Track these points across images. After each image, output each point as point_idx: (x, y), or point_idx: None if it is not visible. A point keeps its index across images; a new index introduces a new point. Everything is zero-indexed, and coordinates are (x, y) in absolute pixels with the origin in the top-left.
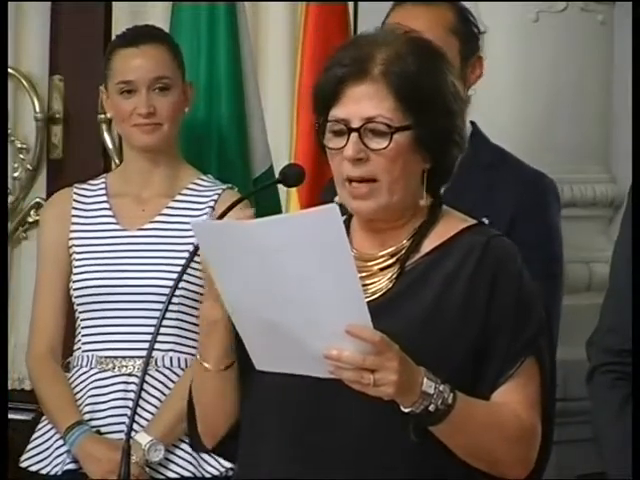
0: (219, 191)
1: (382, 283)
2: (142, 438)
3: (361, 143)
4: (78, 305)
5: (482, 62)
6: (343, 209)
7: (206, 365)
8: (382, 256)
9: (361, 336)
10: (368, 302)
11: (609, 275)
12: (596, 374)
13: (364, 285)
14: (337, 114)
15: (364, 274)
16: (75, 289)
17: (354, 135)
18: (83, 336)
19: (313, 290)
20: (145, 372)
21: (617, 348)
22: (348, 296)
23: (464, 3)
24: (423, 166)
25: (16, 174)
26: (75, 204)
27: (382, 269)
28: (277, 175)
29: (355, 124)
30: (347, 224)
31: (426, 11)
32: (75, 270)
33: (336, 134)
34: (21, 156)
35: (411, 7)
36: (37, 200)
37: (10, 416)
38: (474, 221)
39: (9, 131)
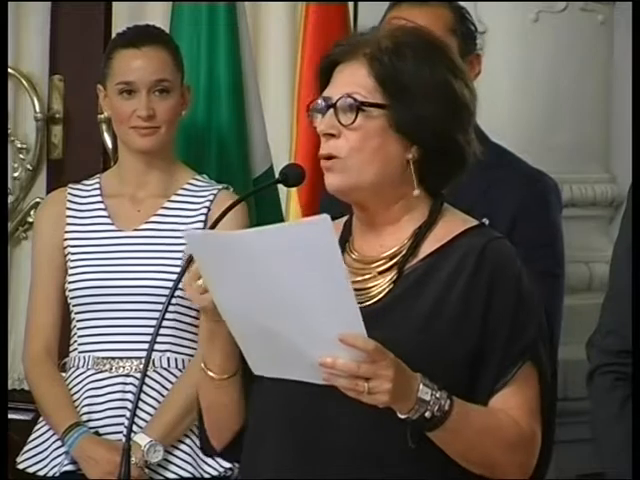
0: (214, 191)
1: (381, 286)
2: (141, 439)
3: (335, 118)
4: (74, 306)
5: (480, 60)
6: (346, 207)
7: (210, 374)
8: (381, 259)
9: (355, 345)
10: (368, 305)
11: (609, 276)
12: (596, 375)
13: (365, 288)
14: (325, 93)
15: (366, 276)
16: (71, 290)
17: (330, 110)
18: (79, 337)
19: (306, 300)
20: (145, 373)
21: (616, 349)
22: (341, 306)
23: (462, 3)
24: (406, 155)
25: (16, 174)
26: (69, 204)
27: (381, 272)
28: (277, 175)
29: (334, 100)
30: (349, 225)
31: (424, 11)
32: (71, 271)
33: (321, 112)
34: (21, 156)
35: (408, 7)
36: (37, 200)
37: (10, 416)
38: (475, 222)
39: (9, 131)
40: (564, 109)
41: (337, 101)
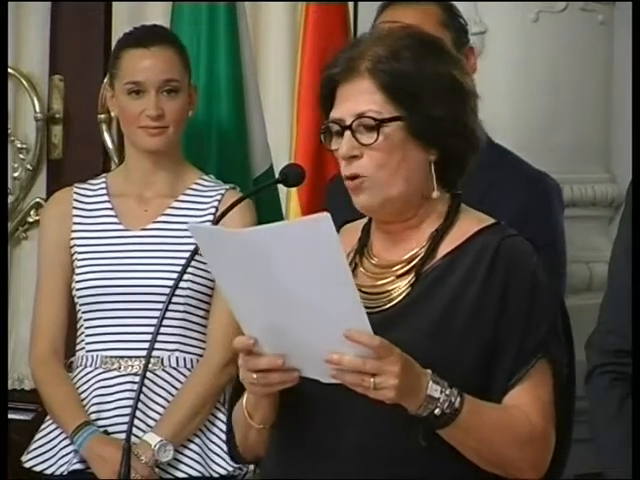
0: (222, 191)
1: (400, 289)
2: (151, 438)
3: (354, 140)
4: (81, 305)
5: (474, 52)
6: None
7: (251, 422)
8: (400, 262)
9: (360, 341)
10: (388, 308)
11: (607, 276)
12: (594, 375)
13: (385, 292)
14: (333, 115)
15: (384, 281)
16: (78, 289)
17: (347, 133)
18: (87, 336)
19: (311, 297)
20: (145, 372)
21: (615, 349)
22: (345, 302)
23: (462, 3)
24: (427, 157)
25: (16, 174)
26: (76, 204)
27: (399, 275)
28: (277, 175)
29: (348, 122)
30: (367, 228)
31: (415, 9)
32: (78, 270)
33: (336, 135)
34: (21, 156)
35: (398, 8)
36: (37, 200)
37: (10, 416)
38: (490, 221)
39: (9, 131)
40: (564, 109)
41: (352, 123)
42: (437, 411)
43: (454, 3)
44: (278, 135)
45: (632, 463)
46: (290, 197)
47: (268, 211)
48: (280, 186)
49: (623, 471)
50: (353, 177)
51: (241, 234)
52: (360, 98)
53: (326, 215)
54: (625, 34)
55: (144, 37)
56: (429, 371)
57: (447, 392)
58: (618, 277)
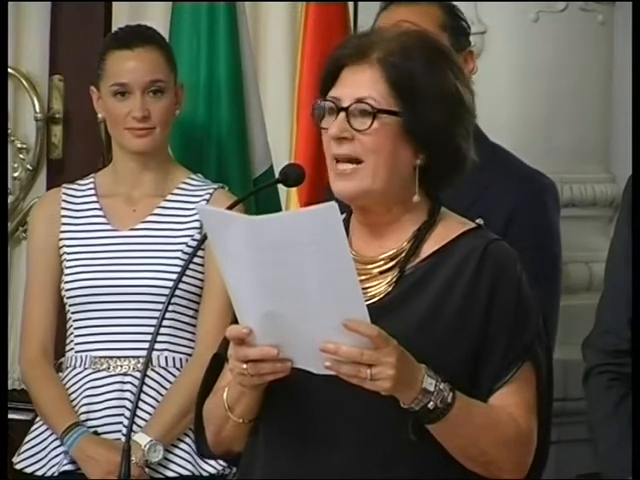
0: (210, 190)
1: (381, 287)
2: (141, 438)
3: (346, 122)
4: (70, 306)
5: (474, 57)
6: (343, 207)
7: (230, 415)
8: (381, 259)
9: (358, 330)
10: (368, 305)
11: (604, 276)
12: (592, 375)
13: (363, 288)
14: (332, 94)
15: (363, 277)
16: (67, 290)
17: (342, 114)
18: (76, 337)
19: (311, 286)
20: (145, 372)
21: (612, 349)
22: (346, 293)
23: (462, 3)
24: (414, 161)
25: (16, 174)
26: (64, 204)
27: (381, 272)
28: (277, 175)
29: (345, 103)
30: (347, 224)
31: (415, 10)
32: (67, 271)
33: (329, 113)
34: (21, 156)
35: (402, 7)
36: (37, 200)
37: (10, 416)
38: (473, 224)
39: (9, 131)
40: (564, 109)
41: (350, 106)
42: (430, 405)
43: (456, 4)
44: (278, 135)
45: (632, 463)
46: (290, 197)
47: (268, 211)
48: (280, 186)
49: (620, 470)
50: (345, 159)
51: (249, 220)
52: (363, 84)
53: (333, 204)
54: (625, 34)
55: (128, 38)
56: (423, 365)
57: (441, 386)
58: (615, 276)
